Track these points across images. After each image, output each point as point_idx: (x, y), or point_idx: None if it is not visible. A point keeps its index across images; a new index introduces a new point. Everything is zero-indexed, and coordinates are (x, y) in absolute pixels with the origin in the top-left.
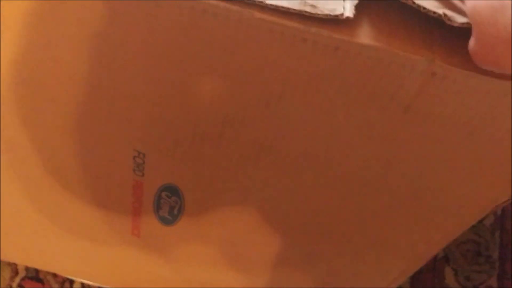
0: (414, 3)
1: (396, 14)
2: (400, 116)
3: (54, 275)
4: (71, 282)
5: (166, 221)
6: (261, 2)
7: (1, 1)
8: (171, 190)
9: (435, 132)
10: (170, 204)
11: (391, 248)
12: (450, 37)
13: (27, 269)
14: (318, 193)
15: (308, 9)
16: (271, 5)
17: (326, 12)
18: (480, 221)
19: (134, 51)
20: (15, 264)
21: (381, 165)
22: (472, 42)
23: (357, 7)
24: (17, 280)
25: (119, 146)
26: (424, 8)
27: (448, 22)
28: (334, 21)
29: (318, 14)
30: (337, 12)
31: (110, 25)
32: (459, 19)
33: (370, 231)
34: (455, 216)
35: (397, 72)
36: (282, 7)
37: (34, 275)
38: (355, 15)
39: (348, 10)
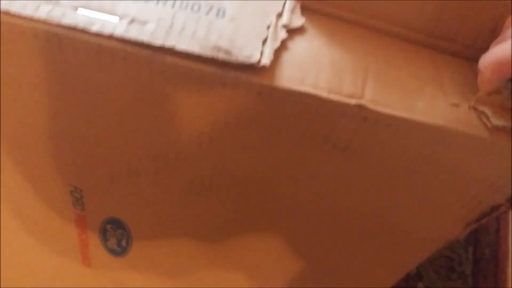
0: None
1: (325, 52)
2: (339, 156)
3: None
4: None
5: (115, 253)
6: (172, 47)
7: None
8: (115, 223)
9: (376, 171)
10: (116, 236)
11: (353, 281)
12: (383, 73)
13: None
14: (270, 227)
15: (221, 55)
16: (181, 51)
17: (242, 58)
18: None
19: (55, 91)
20: None
21: (328, 201)
22: None
23: (279, 49)
24: None
25: (57, 181)
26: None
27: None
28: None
29: (232, 61)
30: (253, 60)
31: (45, 70)
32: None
33: (329, 266)
34: (408, 250)
35: (326, 116)
36: (193, 52)
37: None
38: (276, 57)
39: (266, 55)
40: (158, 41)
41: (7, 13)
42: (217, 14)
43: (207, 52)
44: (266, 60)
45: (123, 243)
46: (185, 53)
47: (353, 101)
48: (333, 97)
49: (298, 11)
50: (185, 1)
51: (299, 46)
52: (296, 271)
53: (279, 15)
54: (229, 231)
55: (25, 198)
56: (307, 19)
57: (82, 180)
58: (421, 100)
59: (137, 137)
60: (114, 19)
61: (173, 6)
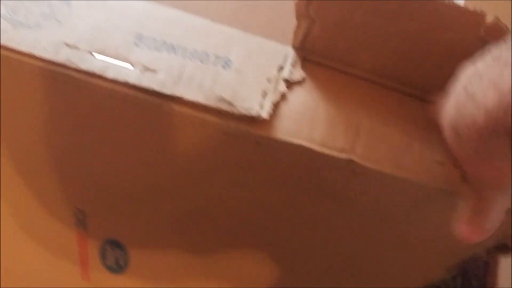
0: None
1: (321, 106)
2: (329, 202)
3: None
4: None
5: (113, 270)
6: (179, 97)
7: None
8: (115, 244)
9: (363, 218)
10: (115, 256)
11: None
12: (375, 129)
13: None
14: (256, 245)
15: (224, 106)
16: (188, 100)
17: (243, 111)
18: None
19: (66, 126)
20: None
21: (316, 237)
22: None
23: (279, 101)
24: None
25: (62, 201)
26: None
27: None
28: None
29: (234, 113)
30: (253, 112)
31: (59, 107)
32: None
33: None
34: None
35: (318, 167)
36: (199, 102)
37: None
38: (275, 109)
39: (265, 109)
40: (167, 90)
41: (29, 55)
42: (223, 66)
43: (211, 102)
44: (265, 114)
45: (121, 262)
46: (191, 102)
47: (343, 156)
48: (325, 150)
49: (299, 65)
50: (194, 51)
51: (298, 98)
52: (277, 279)
53: (281, 68)
54: (217, 247)
55: (32, 210)
56: (308, 70)
57: (85, 204)
58: (409, 157)
59: (139, 169)
60: (128, 66)
61: (183, 55)
